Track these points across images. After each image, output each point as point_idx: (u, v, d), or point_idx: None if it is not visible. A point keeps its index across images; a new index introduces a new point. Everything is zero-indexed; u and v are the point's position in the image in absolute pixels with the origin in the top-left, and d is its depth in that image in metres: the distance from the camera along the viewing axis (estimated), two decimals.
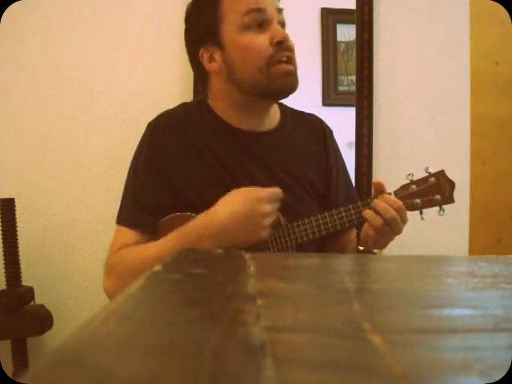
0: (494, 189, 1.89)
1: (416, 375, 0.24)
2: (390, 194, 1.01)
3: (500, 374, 0.23)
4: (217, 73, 1.07)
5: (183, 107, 1.16)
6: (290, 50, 1.04)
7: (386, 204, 0.96)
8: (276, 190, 0.97)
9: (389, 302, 0.39)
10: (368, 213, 0.97)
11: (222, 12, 1.03)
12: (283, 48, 1.02)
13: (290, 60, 1.04)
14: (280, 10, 1.06)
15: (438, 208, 1.02)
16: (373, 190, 1.02)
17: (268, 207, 0.94)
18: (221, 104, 1.10)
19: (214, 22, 1.04)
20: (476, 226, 1.73)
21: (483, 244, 1.82)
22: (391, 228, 0.96)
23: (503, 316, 0.35)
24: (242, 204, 0.94)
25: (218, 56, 1.05)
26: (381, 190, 0.99)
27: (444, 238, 1.64)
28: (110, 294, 1.03)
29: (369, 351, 0.27)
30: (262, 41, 1.02)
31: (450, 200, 1.02)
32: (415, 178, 1.02)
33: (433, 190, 1.02)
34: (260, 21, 1.02)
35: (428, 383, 0.23)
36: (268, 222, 0.95)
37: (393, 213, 0.95)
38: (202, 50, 1.06)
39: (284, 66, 1.03)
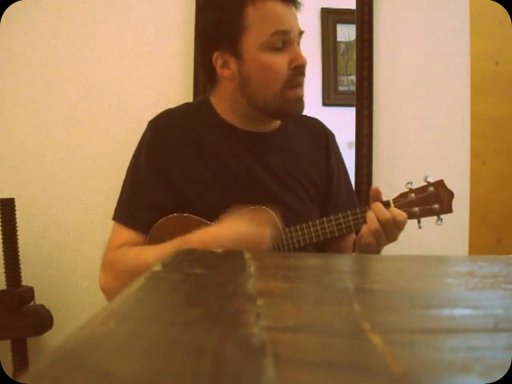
0: (494, 189, 1.89)
1: (416, 375, 0.24)
2: (388, 201, 1.01)
3: (500, 374, 0.23)
4: (228, 80, 1.05)
5: (185, 106, 1.16)
6: (304, 74, 1.03)
7: (374, 216, 0.97)
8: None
9: (389, 302, 0.39)
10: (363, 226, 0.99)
11: (247, 23, 0.99)
12: (299, 73, 1.02)
13: (302, 85, 1.04)
14: (301, 33, 1.04)
15: (436, 217, 1.02)
16: (370, 198, 1.01)
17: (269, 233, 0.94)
18: (225, 106, 1.09)
19: (236, 30, 0.99)
20: (476, 226, 1.72)
21: (483, 244, 1.81)
22: (376, 240, 0.98)
23: (503, 316, 0.35)
24: (243, 228, 0.93)
25: (232, 65, 1.02)
26: (377, 198, 1.00)
27: (444, 237, 1.63)
28: (106, 291, 1.03)
29: (369, 351, 0.27)
30: (281, 63, 1.00)
31: (449, 210, 1.02)
32: (414, 186, 1.02)
33: (431, 199, 1.02)
34: (283, 42, 1.00)
35: (428, 383, 0.23)
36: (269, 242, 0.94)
37: (377, 226, 0.96)
38: (216, 54, 1.03)
39: (298, 92, 1.03)
